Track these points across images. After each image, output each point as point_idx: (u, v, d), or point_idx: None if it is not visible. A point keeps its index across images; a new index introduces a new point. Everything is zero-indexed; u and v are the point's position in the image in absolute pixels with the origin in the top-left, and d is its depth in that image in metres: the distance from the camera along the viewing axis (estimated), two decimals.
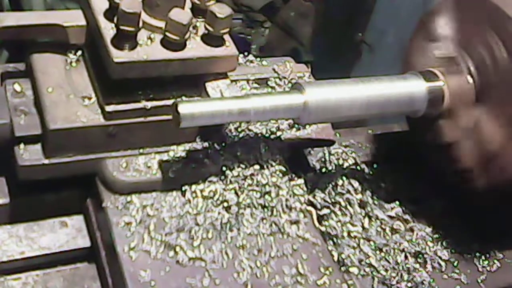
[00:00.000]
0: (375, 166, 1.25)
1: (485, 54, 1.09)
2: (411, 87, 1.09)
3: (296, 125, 1.17)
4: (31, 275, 1.01)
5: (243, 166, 1.05)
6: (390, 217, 1.16)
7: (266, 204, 1.04)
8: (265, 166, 1.06)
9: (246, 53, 1.27)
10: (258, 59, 1.28)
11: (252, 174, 1.05)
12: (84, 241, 1.05)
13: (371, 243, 1.10)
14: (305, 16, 3.46)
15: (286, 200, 1.05)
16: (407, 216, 1.17)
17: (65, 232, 1.05)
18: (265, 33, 3.69)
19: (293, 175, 1.09)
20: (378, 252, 1.10)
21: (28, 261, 1.01)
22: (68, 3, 2.37)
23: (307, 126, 1.18)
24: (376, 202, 1.16)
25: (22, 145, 0.99)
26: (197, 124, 0.95)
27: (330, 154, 1.22)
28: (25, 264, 1.01)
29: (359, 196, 1.14)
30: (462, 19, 1.14)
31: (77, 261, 1.05)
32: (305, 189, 1.08)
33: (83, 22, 1.06)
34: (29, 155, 0.99)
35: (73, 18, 1.06)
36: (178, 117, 0.92)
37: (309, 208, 1.07)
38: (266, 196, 1.04)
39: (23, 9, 2.33)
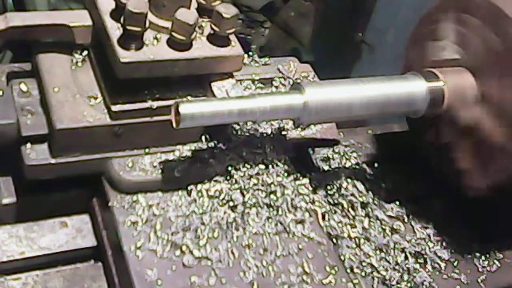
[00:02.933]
0: (375, 166, 1.25)
1: (485, 52, 1.09)
2: (411, 87, 1.09)
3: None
4: (31, 275, 1.01)
5: (248, 165, 1.05)
6: (390, 217, 1.16)
7: (272, 204, 1.04)
8: (270, 166, 1.07)
9: (250, 53, 1.27)
10: (265, 58, 1.28)
11: (257, 174, 1.05)
12: (84, 241, 1.05)
13: (371, 243, 1.10)
14: (305, 16, 3.46)
15: (292, 199, 1.05)
16: (407, 216, 1.18)
17: (65, 232, 1.04)
18: (265, 33, 3.69)
19: (298, 175, 1.09)
20: (378, 252, 1.10)
21: (28, 261, 1.00)
22: (71, 3, 2.37)
23: (311, 126, 1.18)
24: (376, 202, 1.16)
25: (28, 145, 0.99)
26: (197, 124, 0.96)
27: (334, 153, 1.22)
28: (25, 264, 1.00)
29: (362, 198, 1.14)
30: (464, 19, 1.14)
31: (77, 261, 1.04)
32: (310, 188, 1.09)
33: (89, 22, 1.06)
34: (36, 155, 0.99)
35: (79, 18, 1.06)
36: (178, 117, 0.92)
37: (314, 207, 1.08)
38: (272, 196, 1.05)
39: (26, 9, 2.32)
